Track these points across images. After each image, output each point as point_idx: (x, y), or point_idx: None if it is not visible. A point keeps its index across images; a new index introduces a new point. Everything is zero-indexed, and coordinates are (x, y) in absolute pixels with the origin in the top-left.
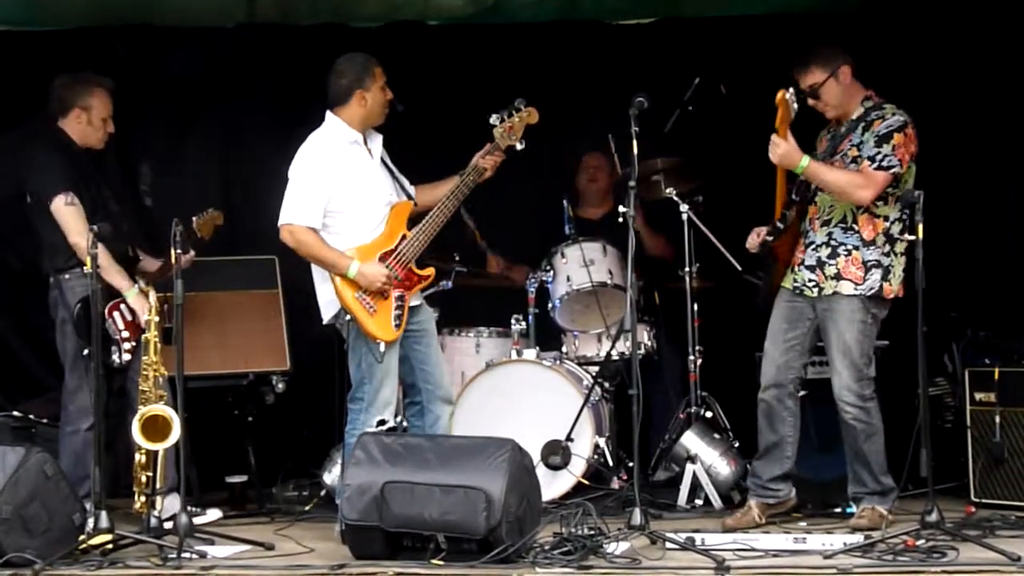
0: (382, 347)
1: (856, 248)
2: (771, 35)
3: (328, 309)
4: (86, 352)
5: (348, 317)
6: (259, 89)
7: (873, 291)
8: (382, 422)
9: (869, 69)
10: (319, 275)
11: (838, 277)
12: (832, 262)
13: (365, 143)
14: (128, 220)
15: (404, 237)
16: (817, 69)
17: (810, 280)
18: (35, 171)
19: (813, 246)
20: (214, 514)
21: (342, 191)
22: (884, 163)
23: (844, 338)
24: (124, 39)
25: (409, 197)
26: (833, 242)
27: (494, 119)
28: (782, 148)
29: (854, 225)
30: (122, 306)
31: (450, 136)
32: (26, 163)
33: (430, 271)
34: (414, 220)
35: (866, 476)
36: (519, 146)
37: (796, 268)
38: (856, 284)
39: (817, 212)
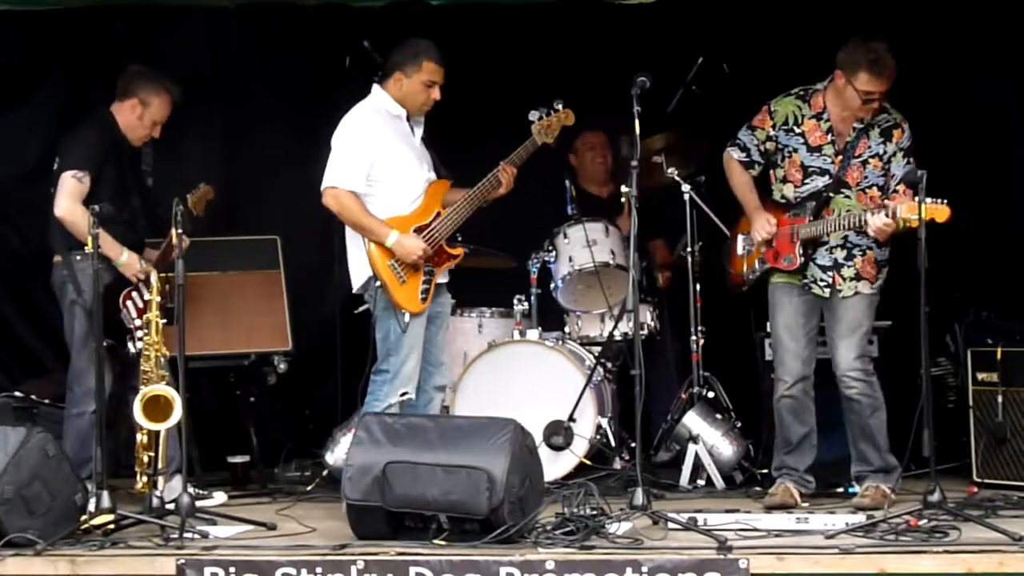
0: (407, 317)
1: (870, 248)
2: (774, 14)
3: (359, 276)
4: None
5: (378, 284)
6: (260, 69)
7: (881, 286)
8: (405, 394)
9: None
10: (352, 241)
11: (857, 277)
12: (849, 263)
13: (409, 120)
14: (145, 213)
15: (438, 214)
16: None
17: (822, 280)
18: (67, 143)
19: (827, 247)
20: (220, 497)
21: (383, 160)
22: None
23: (855, 314)
24: (125, 18)
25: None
26: (849, 244)
27: (533, 115)
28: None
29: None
30: (134, 294)
31: (451, 115)
32: (64, 135)
33: (460, 250)
34: None
35: (871, 454)
36: (552, 143)
37: (808, 264)
38: (871, 282)
39: (831, 213)
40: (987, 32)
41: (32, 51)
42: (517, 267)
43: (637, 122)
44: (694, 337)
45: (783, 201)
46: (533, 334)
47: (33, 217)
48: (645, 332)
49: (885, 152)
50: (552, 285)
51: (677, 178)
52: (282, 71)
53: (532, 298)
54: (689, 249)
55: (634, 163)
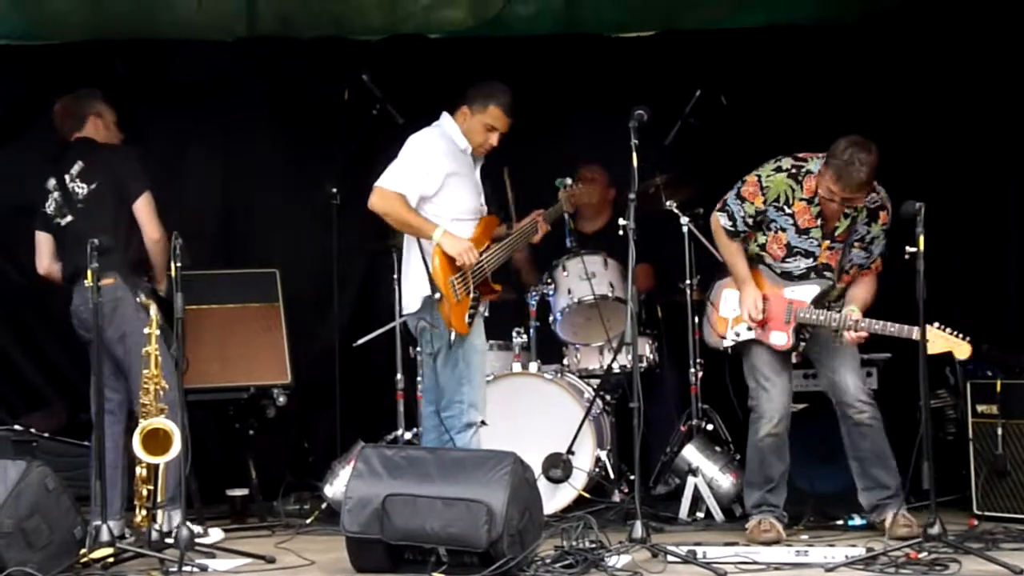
0: (453, 335)
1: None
2: (771, 47)
3: (415, 298)
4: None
5: (438, 296)
6: (260, 103)
7: None
8: (483, 423)
9: (868, 81)
10: (414, 259)
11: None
12: (837, 306)
13: (472, 154)
14: None
15: (488, 247)
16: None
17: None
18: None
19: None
20: (216, 535)
21: (440, 179)
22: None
23: (854, 347)
24: (124, 53)
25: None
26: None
27: (564, 182)
28: None
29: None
30: None
31: None
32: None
33: (499, 287)
34: None
35: (886, 477)
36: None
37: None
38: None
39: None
40: (983, 61)
41: (30, 85)
42: (516, 300)
43: (635, 155)
44: (693, 369)
45: (772, 269)
46: (532, 367)
47: (31, 250)
48: (644, 365)
49: (869, 233)
50: (551, 318)
51: (675, 210)
52: (281, 105)
53: (531, 331)
54: (688, 282)
55: (632, 196)
